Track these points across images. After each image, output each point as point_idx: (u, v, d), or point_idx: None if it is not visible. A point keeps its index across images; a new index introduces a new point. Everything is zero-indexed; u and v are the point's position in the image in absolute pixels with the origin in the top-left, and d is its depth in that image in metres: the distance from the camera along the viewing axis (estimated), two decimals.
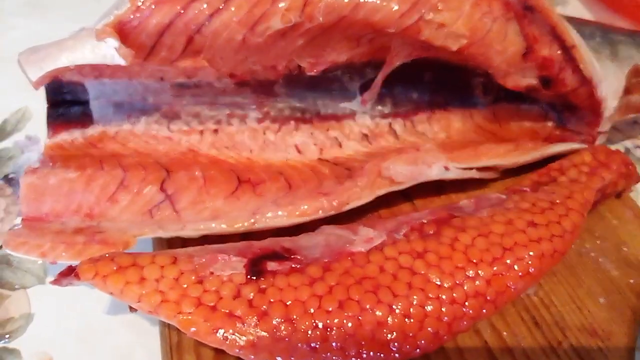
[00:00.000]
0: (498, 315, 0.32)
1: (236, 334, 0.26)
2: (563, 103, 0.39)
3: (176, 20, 0.32)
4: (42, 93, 0.40)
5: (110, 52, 0.32)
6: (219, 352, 0.29)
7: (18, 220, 0.44)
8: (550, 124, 0.40)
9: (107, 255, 0.28)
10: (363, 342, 0.27)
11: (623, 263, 0.35)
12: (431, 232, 0.31)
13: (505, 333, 0.31)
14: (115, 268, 0.27)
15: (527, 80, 0.36)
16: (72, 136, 0.39)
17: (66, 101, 0.39)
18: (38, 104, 0.53)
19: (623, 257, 0.36)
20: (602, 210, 0.38)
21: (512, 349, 0.31)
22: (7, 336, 0.36)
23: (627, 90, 0.43)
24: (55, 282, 0.28)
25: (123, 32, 0.33)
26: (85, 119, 0.39)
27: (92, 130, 0.39)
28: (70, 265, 0.29)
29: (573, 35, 0.34)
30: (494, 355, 0.30)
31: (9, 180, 0.47)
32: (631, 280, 0.34)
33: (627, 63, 0.42)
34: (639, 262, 0.35)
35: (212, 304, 0.27)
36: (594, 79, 0.35)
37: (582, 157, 0.36)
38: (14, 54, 0.35)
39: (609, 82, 0.39)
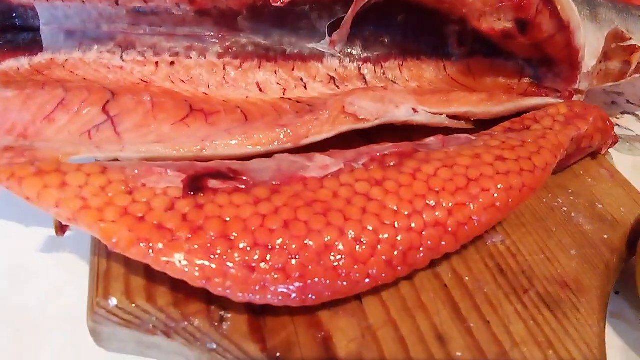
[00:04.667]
0: (460, 260, 0.29)
1: (164, 247, 0.23)
2: (540, 58, 0.37)
3: None
4: None
5: None
6: (150, 281, 0.27)
7: None
8: (526, 80, 0.38)
9: (28, 160, 0.25)
10: (307, 265, 0.24)
11: (597, 219, 0.33)
12: (392, 163, 0.29)
13: (467, 278, 0.29)
14: (34, 171, 0.25)
15: (502, 23, 0.34)
16: (19, 63, 0.36)
17: (16, 27, 0.37)
18: None
19: (597, 213, 0.33)
20: (576, 169, 0.36)
21: (473, 294, 0.28)
22: None
23: (606, 56, 0.41)
24: None
25: None
26: (34, 46, 0.37)
27: (40, 58, 0.36)
28: None
29: None
30: (454, 299, 0.28)
31: None
32: (605, 236, 0.32)
33: (607, 25, 0.41)
34: (614, 219, 0.33)
35: (140, 215, 0.24)
36: (571, 24, 0.34)
37: (557, 108, 0.35)
38: None
39: (588, 41, 0.37)
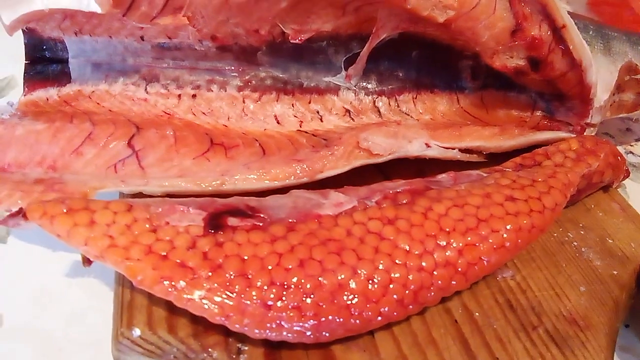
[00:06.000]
0: (471, 295, 0.30)
1: (186, 284, 0.25)
2: (552, 92, 0.38)
3: None
4: None
5: None
6: (171, 312, 0.28)
7: None
8: (538, 113, 0.39)
9: (59, 198, 0.27)
10: (321, 304, 0.25)
11: (607, 254, 0.33)
12: (405, 201, 0.29)
13: (477, 314, 0.29)
14: (65, 210, 0.26)
15: (515, 60, 0.35)
16: (48, 94, 0.38)
17: (45, 58, 0.39)
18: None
19: (607, 248, 0.34)
20: (588, 202, 0.37)
21: (482, 330, 0.29)
22: None
23: (620, 88, 0.42)
24: (2, 222, 0.27)
25: None
26: (62, 77, 0.38)
27: (68, 89, 0.38)
28: (21, 207, 0.27)
29: (564, 15, 0.34)
30: (464, 335, 0.28)
31: None
32: (615, 272, 0.33)
33: (621, 58, 0.41)
34: (624, 255, 0.34)
35: (163, 253, 0.25)
36: (583, 62, 0.34)
37: (569, 143, 0.35)
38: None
39: (600, 75, 0.38)
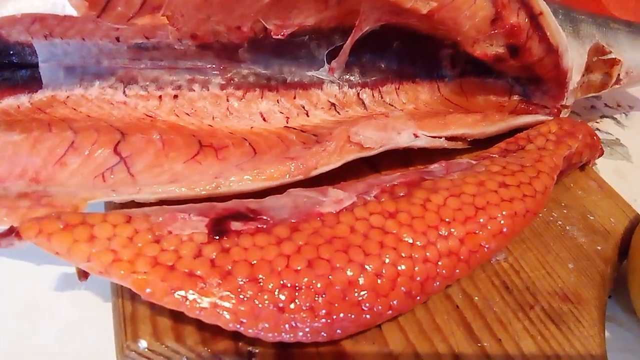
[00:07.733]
0: (469, 280, 0.31)
1: (197, 294, 0.24)
2: (528, 77, 0.39)
3: None
4: None
5: (61, 1, 0.30)
6: (176, 321, 0.27)
7: None
8: (515, 97, 0.40)
9: (52, 213, 0.26)
10: (333, 302, 0.25)
11: (590, 231, 0.35)
12: (402, 193, 0.30)
13: (476, 298, 0.30)
14: (61, 226, 0.25)
15: (495, 48, 0.36)
16: (19, 101, 0.36)
17: (13, 64, 0.37)
18: None
19: (589, 225, 0.36)
20: (567, 182, 0.39)
21: (483, 313, 0.30)
22: None
23: (588, 69, 0.43)
24: None
25: None
26: (33, 83, 0.37)
27: (41, 95, 0.36)
28: (12, 225, 0.26)
29: (540, 3, 0.35)
30: (466, 320, 0.29)
31: None
32: (598, 247, 0.34)
33: (589, 41, 0.43)
34: (605, 230, 0.35)
35: (170, 264, 0.25)
36: (560, 48, 0.36)
37: (548, 126, 0.37)
38: None
39: (572, 58, 0.39)
